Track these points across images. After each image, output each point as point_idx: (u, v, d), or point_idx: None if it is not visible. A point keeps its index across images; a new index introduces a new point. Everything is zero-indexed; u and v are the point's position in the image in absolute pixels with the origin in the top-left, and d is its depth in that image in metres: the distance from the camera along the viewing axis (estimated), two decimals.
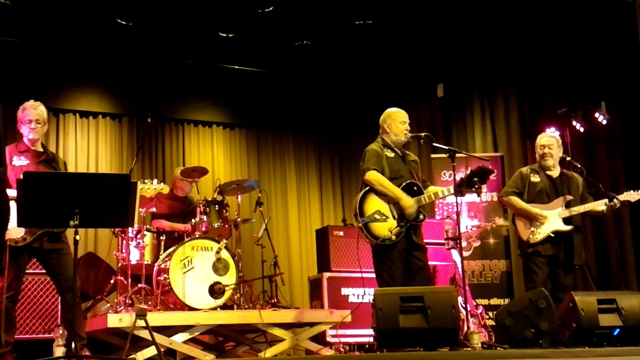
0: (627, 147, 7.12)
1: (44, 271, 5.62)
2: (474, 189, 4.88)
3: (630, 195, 5.47)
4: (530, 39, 7.92)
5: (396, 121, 5.15)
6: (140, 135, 8.98)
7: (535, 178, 5.53)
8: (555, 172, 5.58)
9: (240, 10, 7.91)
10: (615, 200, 5.38)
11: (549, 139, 5.66)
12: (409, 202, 4.89)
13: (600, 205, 5.44)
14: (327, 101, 10.03)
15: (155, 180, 5.62)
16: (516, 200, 5.49)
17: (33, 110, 4.83)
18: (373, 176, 4.96)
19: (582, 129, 7.25)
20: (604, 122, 7.12)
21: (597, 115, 7.12)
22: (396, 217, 4.92)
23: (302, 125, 10.18)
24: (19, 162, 4.75)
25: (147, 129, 7.78)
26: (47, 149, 4.99)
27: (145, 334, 4.92)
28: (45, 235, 4.62)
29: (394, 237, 4.86)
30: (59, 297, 4.86)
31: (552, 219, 5.37)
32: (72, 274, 4.67)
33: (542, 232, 5.35)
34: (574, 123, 7.23)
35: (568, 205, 5.42)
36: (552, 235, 5.35)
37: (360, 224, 4.89)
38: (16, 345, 4.81)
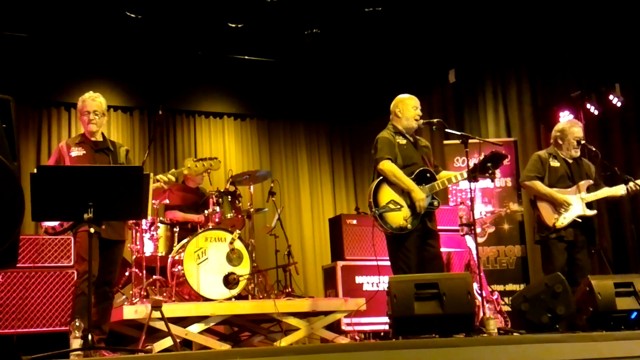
0: None
1: (59, 264, 5.67)
2: (487, 175, 4.84)
3: None
4: (542, 22, 7.83)
5: (409, 106, 5.11)
6: (151, 128, 9.02)
7: (555, 163, 5.46)
8: (570, 158, 5.52)
9: (249, 0, 7.89)
10: (631, 183, 5.32)
11: (581, 129, 5.56)
12: (420, 195, 4.87)
13: (620, 190, 5.38)
14: (338, 89, 10.00)
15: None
16: (541, 185, 5.40)
17: (92, 102, 4.80)
18: (387, 166, 4.94)
19: (596, 112, 7.18)
20: (619, 104, 7.04)
21: (611, 97, 7.05)
22: (410, 205, 4.90)
23: (313, 114, 10.16)
24: (75, 152, 4.74)
25: (158, 121, 7.82)
26: (108, 139, 4.95)
27: (161, 325, 4.95)
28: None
29: (409, 226, 4.85)
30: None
31: (577, 204, 5.32)
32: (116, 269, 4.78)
33: (567, 217, 5.29)
34: (588, 106, 7.16)
35: (589, 190, 5.37)
36: (579, 220, 5.29)
37: (375, 214, 4.87)
38: (32, 339, 4.85)
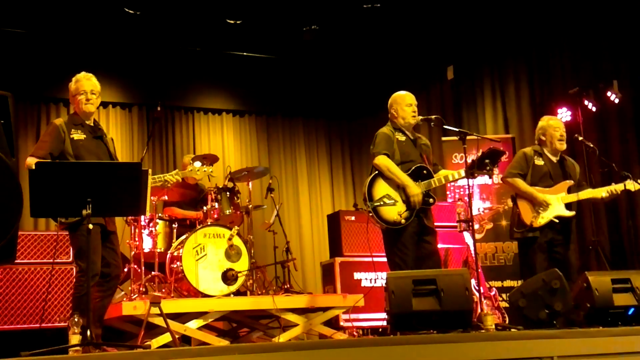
0: None
1: (58, 260, 5.67)
2: (485, 171, 4.84)
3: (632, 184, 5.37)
4: (540, 19, 7.84)
5: (402, 105, 5.12)
6: (150, 124, 9.01)
7: (539, 161, 5.42)
8: (557, 156, 5.51)
9: None
10: (630, 180, 5.31)
11: (561, 122, 5.55)
12: (415, 190, 4.87)
13: (601, 192, 5.33)
14: (336, 85, 10.01)
15: (198, 163, 5.43)
16: (522, 183, 5.37)
17: (87, 82, 4.67)
18: (382, 161, 4.95)
19: (594, 109, 7.19)
20: (616, 100, 7.05)
21: (609, 94, 7.06)
22: (405, 200, 4.91)
23: (311, 110, 10.17)
24: (77, 135, 4.59)
25: (157, 117, 7.81)
26: (99, 124, 4.84)
27: (159, 321, 4.96)
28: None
29: (403, 221, 4.85)
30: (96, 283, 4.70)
31: (555, 203, 5.30)
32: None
33: (545, 217, 5.27)
34: (586, 102, 7.17)
35: (569, 190, 5.35)
36: (556, 220, 5.26)
37: (369, 208, 4.88)
38: (31, 335, 4.85)
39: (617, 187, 5.32)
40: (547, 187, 5.35)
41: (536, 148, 5.53)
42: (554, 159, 5.48)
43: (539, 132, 5.55)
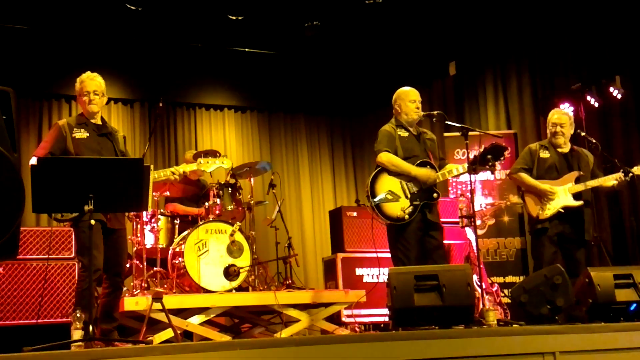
0: None
1: (60, 256, 5.67)
2: (487, 167, 4.84)
3: None
4: (543, 15, 7.82)
5: (405, 100, 5.13)
6: (152, 120, 9.02)
7: (544, 154, 5.44)
8: (565, 149, 5.49)
9: None
10: (631, 174, 5.31)
11: (561, 116, 5.51)
12: (423, 173, 4.89)
13: (610, 180, 5.36)
14: (338, 82, 10.00)
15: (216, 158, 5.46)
16: (525, 177, 5.40)
17: (91, 82, 4.71)
18: (385, 157, 4.96)
19: (596, 104, 7.18)
20: (619, 96, 7.04)
21: (611, 89, 7.05)
22: (409, 196, 4.92)
23: (313, 106, 10.16)
24: (79, 134, 4.62)
25: (158, 113, 7.84)
26: (107, 123, 4.85)
27: (161, 317, 4.97)
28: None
29: (407, 217, 4.86)
30: (102, 280, 4.67)
31: (562, 194, 5.30)
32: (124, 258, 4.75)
33: (551, 208, 5.28)
34: (589, 98, 7.16)
35: (577, 180, 5.35)
36: (562, 211, 5.26)
37: (372, 205, 4.88)
38: (33, 331, 4.85)
39: (622, 175, 5.31)
40: (554, 179, 5.37)
41: (543, 142, 5.57)
42: (564, 150, 5.48)
43: (547, 124, 5.57)
